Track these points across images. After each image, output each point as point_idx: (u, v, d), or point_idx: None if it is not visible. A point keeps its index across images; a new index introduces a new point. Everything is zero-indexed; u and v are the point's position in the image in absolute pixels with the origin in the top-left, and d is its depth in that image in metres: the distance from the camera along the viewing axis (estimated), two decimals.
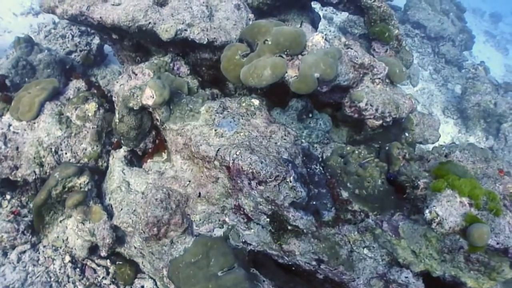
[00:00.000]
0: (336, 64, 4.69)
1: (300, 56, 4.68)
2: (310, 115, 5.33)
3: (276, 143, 4.59)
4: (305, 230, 4.35)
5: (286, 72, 4.56)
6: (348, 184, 4.72)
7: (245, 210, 4.44)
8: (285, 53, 4.65)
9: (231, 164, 4.26)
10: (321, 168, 4.90)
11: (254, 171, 4.09)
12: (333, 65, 4.56)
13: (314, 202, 4.55)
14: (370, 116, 5.21)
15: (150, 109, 5.13)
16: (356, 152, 4.83)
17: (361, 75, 5.31)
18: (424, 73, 13.35)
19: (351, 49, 5.28)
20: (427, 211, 4.07)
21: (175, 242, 4.71)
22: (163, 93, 4.86)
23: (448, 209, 3.97)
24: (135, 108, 5.03)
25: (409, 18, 14.03)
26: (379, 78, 5.47)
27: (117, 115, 5.23)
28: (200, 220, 4.75)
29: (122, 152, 5.58)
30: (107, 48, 8.30)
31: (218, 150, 4.46)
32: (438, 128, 6.74)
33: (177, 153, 5.00)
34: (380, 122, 5.27)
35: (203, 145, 4.56)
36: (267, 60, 4.51)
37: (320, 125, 5.30)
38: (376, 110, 5.19)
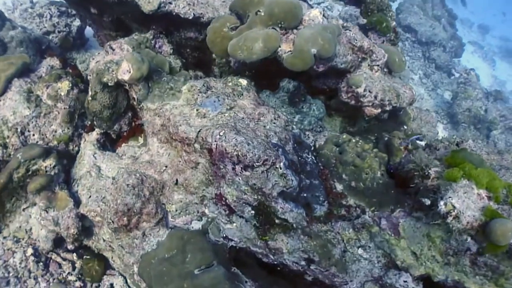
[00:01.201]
0: (335, 42, 4.09)
1: (295, 31, 4.07)
2: (303, 99, 4.72)
3: (264, 126, 3.97)
4: (294, 225, 3.72)
5: (280, 47, 3.95)
6: (344, 176, 4.11)
7: (227, 200, 3.80)
8: (279, 25, 4.04)
9: (213, 146, 3.62)
10: (313, 157, 4.28)
11: (239, 153, 3.45)
12: (331, 41, 3.97)
13: (305, 194, 3.93)
14: (369, 104, 4.61)
15: (127, 87, 4.49)
16: (353, 140, 4.23)
17: (359, 60, 4.73)
18: (414, 77, 12.85)
19: (350, 30, 4.70)
20: (441, 202, 3.43)
21: (147, 234, 4.06)
22: (141, 68, 4.23)
23: (465, 201, 3.35)
24: (109, 84, 4.38)
25: (400, 21, 13.55)
26: (378, 65, 4.89)
27: (90, 92, 4.57)
28: (176, 210, 4.10)
29: (94, 135, 4.92)
30: (89, 32, 7.64)
31: (199, 131, 3.83)
32: (436, 125, 6.20)
33: (154, 136, 4.35)
34: (379, 110, 4.68)
35: (183, 126, 3.93)
36: (259, 32, 3.89)
37: (313, 111, 4.69)
38: (375, 97, 4.60)
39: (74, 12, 7.47)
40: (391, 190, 4.09)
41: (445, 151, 3.82)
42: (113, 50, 4.74)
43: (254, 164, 3.44)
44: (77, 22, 7.55)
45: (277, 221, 3.73)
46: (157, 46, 5.24)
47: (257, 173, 3.50)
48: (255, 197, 3.64)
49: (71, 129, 5.07)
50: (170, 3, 4.83)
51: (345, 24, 4.83)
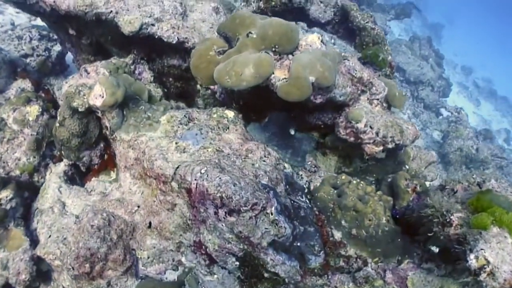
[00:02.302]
0: (335, 70, 3.54)
1: (290, 56, 3.51)
2: (292, 133, 4.14)
3: (253, 164, 3.35)
4: (286, 280, 3.07)
5: (273, 73, 3.37)
6: (343, 222, 3.50)
7: (208, 249, 3.14)
8: (273, 50, 3.47)
9: (193, 185, 2.99)
10: (307, 201, 3.67)
11: (224, 195, 2.82)
12: (332, 69, 3.41)
13: (298, 243, 3.29)
14: (369, 141, 4.03)
15: (99, 113, 3.87)
16: (354, 182, 3.63)
17: (358, 92, 4.18)
18: (403, 117, 12.42)
19: (348, 60, 4.17)
20: (472, 256, 2.74)
21: (113, 285, 3.36)
22: (116, 93, 3.63)
23: (500, 253, 2.71)
24: (80, 110, 3.76)
25: None
26: (378, 99, 4.35)
27: (58, 118, 3.94)
28: (148, 258, 3.42)
29: (62, 166, 4.27)
30: (70, 59, 7.05)
31: (177, 167, 3.20)
32: (436, 164, 5.64)
33: (127, 171, 3.71)
34: (381, 148, 4.09)
35: (159, 160, 3.30)
36: (250, 56, 3.32)
37: (304, 145, 4.11)
38: (377, 133, 4.02)
39: (56, 37, 6.91)
40: (397, 238, 3.48)
41: (465, 193, 3.20)
42: (88, 73, 4.13)
43: (241, 209, 2.80)
44: (58, 47, 6.96)
45: (266, 274, 3.07)
46: (136, 72, 4.66)
47: (244, 219, 2.86)
48: (241, 246, 3.00)
49: (37, 158, 4.39)
50: (153, 25, 4.28)
51: (343, 54, 4.30)
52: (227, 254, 3.11)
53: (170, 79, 4.96)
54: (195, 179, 2.96)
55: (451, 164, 10.37)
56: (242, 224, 2.86)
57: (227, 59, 3.42)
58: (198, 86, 4.95)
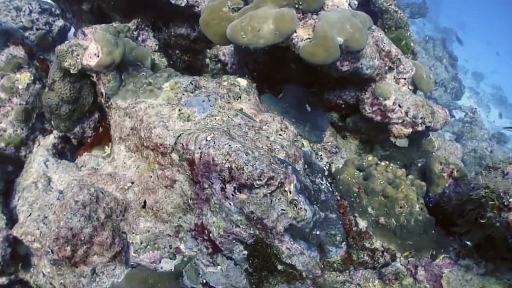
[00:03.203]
0: (367, 34, 2.98)
1: (315, 16, 2.95)
2: (308, 109, 3.60)
3: (268, 137, 2.80)
4: (304, 274, 2.50)
5: (295, 32, 2.81)
6: (369, 209, 2.93)
7: (211, 234, 2.58)
8: (296, 7, 2.91)
9: (196, 154, 2.43)
10: (328, 184, 3.11)
11: (233, 165, 2.26)
12: (363, 31, 2.85)
13: (317, 232, 2.73)
14: (398, 120, 3.47)
15: (94, 78, 3.33)
16: (383, 164, 3.06)
17: (386, 68, 3.64)
18: None
19: (376, 31, 3.62)
20: None
21: (98, 273, 2.80)
22: (113, 52, 3.10)
23: None
24: (72, 72, 3.22)
25: None
26: (405, 79, 3.79)
27: (48, 81, 3.40)
28: (141, 243, 2.87)
29: (51, 138, 3.73)
30: (72, 36, 6.53)
31: (179, 136, 2.66)
32: (461, 157, 5.07)
33: (122, 142, 3.16)
34: (410, 130, 3.53)
35: (158, 128, 2.75)
36: (270, 11, 2.75)
37: (322, 122, 3.56)
38: (406, 113, 3.46)
39: (58, 12, 6.40)
40: (431, 229, 2.91)
41: None
42: (85, 35, 3.59)
43: (254, 183, 2.24)
44: (60, 22, 6.43)
45: (279, 267, 2.51)
46: (140, 39, 4.12)
47: (257, 197, 2.29)
48: (251, 231, 2.43)
49: (25, 130, 3.84)
50: None
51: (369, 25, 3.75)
52: (234, 241, 2.55)
53: (177, 51, 4.41)
54: (199, 148, 2.41)
55: (465, 165, 9.75)
56: (255, 202, 2.30)
57: (242, 15, 2.87)
58: (207, 60, 4.41)
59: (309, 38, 2.78)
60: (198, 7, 3.85)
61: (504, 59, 25.10)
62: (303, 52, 2.70)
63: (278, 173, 2.29)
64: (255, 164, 2.23)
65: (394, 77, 3.76)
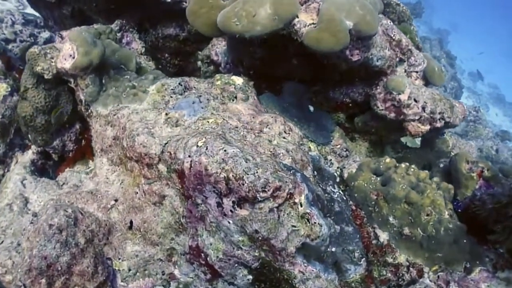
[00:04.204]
0: (378, 18, 2.56)
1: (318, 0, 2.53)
2: (311, 109, 3.17)
3: (270, 141, 2.36)
4: None
5: (297, 17, 2.38)
6: (391, 219, 2.48)
7: (208, 258, 2.13)
8: None
9: (186, 164, 1.99)
10: (341, 192, 2.66)
11: (231, 175, 1.81)
12: (374, 13, 2.43)
13: (333, 249, 2.28)
14: (414, 117, 3.03)
15: (72, 84, 2.90)
16: (403, 166, 2.62)
17: (397, 59, 3.22)
18: None
19: (385, 19, 3.22)
20: None
21: None
22: (91, 52, 2.68)
23: None
24: (46, 77, 2.79)
25: None
26: (417, 72, 3.37)
27: (20, 89, 2.97)
28: (129, 270, 2.41)
29: (29, 154, 3.29)
30: None
31: (166, 143, 2.22)
32: (476, 157, 4.63)
33: (104, 155, 2.72)
34: (427, 127, 3.09)
35: (142, 135, 2.31)
36: None
37: (327, 122, 3.14)
38: (423, 108, 3.03)
39: (43, 23, 6.01)
40: (462, 238, 2.46)
41: None
42: (62, 38, 3.17)
43: (257, 196, 1.79)
44: (46, 34, 6.04)
45: None
46: (124, 41, 3.70)
47: (261, 212, 1.84)
48: (257, 254, 1.98)
49: (2, 146, 3.41)
50: None
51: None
52: (236, 265, 2.10)
53: (166, 54, 3.99)
54: (189, 156, 1.97)
55: None
56: (259, 219, 1.84)
57: (235, 1, 2.44)
58: (199, 63, 3.99)
59: (313, 23, 2.35)
60: (186, 2, 3.44)
61: (499, 59, 24.81)
62: (308, 39, 2.27)
63: (286, 182, 1.84)
64: (257, 172, 1.79)
65: (405, 70, 3.35)
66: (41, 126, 2.98)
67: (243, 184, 1.78)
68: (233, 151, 1.86)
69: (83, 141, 3.24)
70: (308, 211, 1.90)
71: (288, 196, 1.86)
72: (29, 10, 6.17)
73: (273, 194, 1.81)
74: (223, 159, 1.84)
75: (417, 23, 20.26)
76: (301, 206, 1.90)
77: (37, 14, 5.46)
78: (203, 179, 1.91)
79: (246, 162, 1.82)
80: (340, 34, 2.23)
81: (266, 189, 1.78)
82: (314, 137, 2.86)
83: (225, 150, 1.86)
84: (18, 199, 2.93)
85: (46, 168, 3.37)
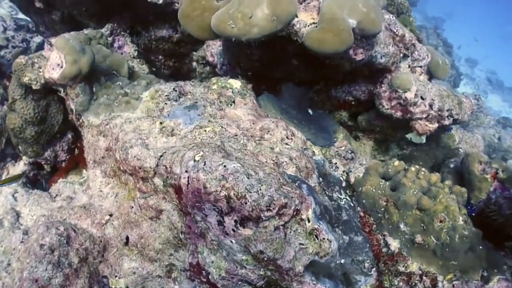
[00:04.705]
0: (382, 14, 2.40)
1: None
2: (311, 113, 3.02)
3: (272, 148, 2.20)
4: None
5: (297, 17, 2.22)
6: (402, 226, 2.33)
7: (210, 276, 1.98)
8: None
9: (183, 180, 1.84)
10: (348, 198, 2.51)
11: (232, 193, 1.66)
12: (378, 10, 2.27)
13: (342, 260, 2.13)
14: (422, 115, 2.87)
15: (62, 93, 2.73)
16: (413, 169, 2.46)
17: (401, 55, 3.06)
18: None
19: (386, 14, 3.05)
20: None
21: None
22: (79, 61, 2.51)
23: None
24: (34, 87, 2.62)
25: None
26: (421, 67, 3.21)
27: (8, 100, 2.82)
28: None
29: (21, 165, 3.15)
30: None
31: (161, 156, 2.06)
32: (482, 149, 4.48)
33: (97, 166, 2.56)
34: (435, 125, 2.94)
35: (135, 148, 2.15)
36: None
37: (329, 123, 2.98)
38: (431, 105, 2.87)
39: (35, 29, 5.81)
40: (478, 245, 2.31)
41: None
42: (51, 46, 3.00)
43: (262, 215, 1.64)
44: (38, 38, 5.84)
45: None
46: (116, 45, 3.53)
47: (266, 232, 1.69)
48: (262, 273, 1.83)
49: None
50: None
51: None
52: (239, 283, 1.95)
53: (160, 56, 3.81)
54: (186, 171, 1.81)
55: None
56: (264, 239, 1.69)
57: (229, 2, 2.27)
58: (194, 64, 3.82)
59: (314, 23, 2.18)
60: (178, 3, 3.26)
61: (496, 43, 24.58)
62: (309, 40, 2.10)
63: (292, 197, 1.69)
64: (260, 189, 1.63)
65: (409, 66, 3.19)
66: (31, 138, 2.82)
67: (246, 203, 1.63)
68: (234, 167, 1.70)
69: (76, 150, 3.09)
70: (316, 226, 1.75)
71: (295, 212, 1.70)
72: (22, 15, 5.99)
73: (279, 212, 1.66)
74: (223, 175, 1.68)
75: (412, 13, 20.04)
76: (309, 221, 1.74)
77: (28, 18, 5.29)
78: (202, 197, 1.75)
79: (248, 178, 1.67)
80: (344, 33, 2.06)
81: (271, 208, 1.63)
82: (315, 139, 2.69)
83: (224, 166, 1.71)
84: (9, 214, 2.79)
85: (38, 179, 3.22)
